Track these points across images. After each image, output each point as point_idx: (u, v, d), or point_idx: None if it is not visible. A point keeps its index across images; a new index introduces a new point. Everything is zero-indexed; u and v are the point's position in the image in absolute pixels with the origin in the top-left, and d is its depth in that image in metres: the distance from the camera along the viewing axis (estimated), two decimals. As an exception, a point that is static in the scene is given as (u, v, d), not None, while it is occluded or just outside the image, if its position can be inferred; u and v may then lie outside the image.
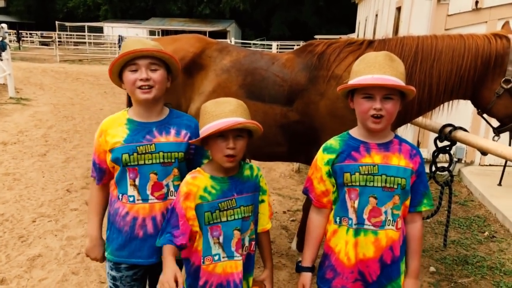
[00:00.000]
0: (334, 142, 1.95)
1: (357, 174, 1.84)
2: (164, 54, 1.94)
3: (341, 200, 1.90)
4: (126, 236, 2.01)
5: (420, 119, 3.10)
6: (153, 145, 1.96)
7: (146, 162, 1.96)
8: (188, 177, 1.90)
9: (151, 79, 1.90)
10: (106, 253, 2.09)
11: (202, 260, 1.86)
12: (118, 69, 1.94)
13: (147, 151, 1.95)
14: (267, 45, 31.08)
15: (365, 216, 1.86)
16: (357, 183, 1.85)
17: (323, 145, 1.97)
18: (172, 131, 2.02)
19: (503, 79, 2.63)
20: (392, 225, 1.87)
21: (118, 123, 2.01)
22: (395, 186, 1.84)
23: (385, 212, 1.85)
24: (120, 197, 2.01)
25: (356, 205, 1.86)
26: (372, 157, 1.86)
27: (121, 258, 2.05)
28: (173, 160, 1.99)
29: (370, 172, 1.84)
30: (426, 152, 6.09)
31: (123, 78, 1.95)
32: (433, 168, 2.99)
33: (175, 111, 2.12)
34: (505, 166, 5.50)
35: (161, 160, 1.97)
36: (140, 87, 1.90)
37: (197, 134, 2.03)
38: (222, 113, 1.78)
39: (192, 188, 1.84)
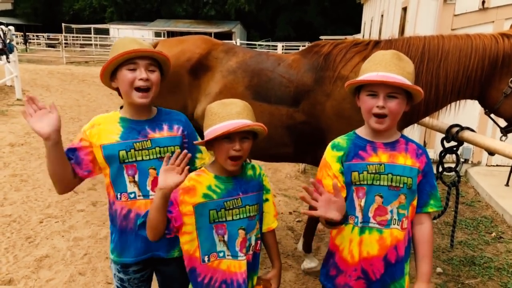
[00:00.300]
0: (341, 140, 1.94)
1: (365, 173, 1.84)
2: (163, 56, 1.97)
3: (348, 199, 1.89)
4: (131, 234, 2.01)
5: (427, 119, 3.09)
6: (149, 141, 1.98)
7: (144, 158, 1.97)
8: (192, 173, 1.89)
9: (149, 80, 1.91)
10: (112, 256, 2.09)
11: (202, 260, 1.85)
12: (113, 68, 1.92)
13: (143, 147, 1.97)
14: (272, 46, 31.08)
15: (370, 215, 1.86)
16: (365, 182, 1.84)
17: (331, 143, 1.96)
18: (165, 127, 2.05)
19: (511, 79, 2.62)
20: (397, 225, 1.87)
21: (111, 120, 2.01)
22: (401, 185, 1.84)
23: (391, 211, 1.85)
24: (119, 196, 2.00)
25: (362, 203, 1.86)
26: (379, 156, 1.86)
27: (128, 258, 2.05)
28: (169, 155, 2.00)
29: (377, 171, 1.84)
30: (433, 152, 6.07)
31: (119, 76, 1.93)
32: (440, 169, 2.98)
33: (162, 109, 2.14)
34: (512, 166, 5.47)
35: (158, 155, 1.99)
36: (137, 88, 1.90)
37: (188, 127, 2.11)
38: (228, 114, 1.78)
39: (194, 184, 1.83)
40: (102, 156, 1.95)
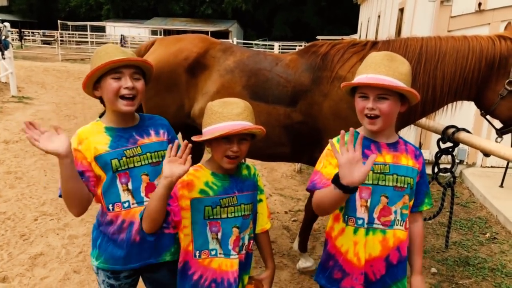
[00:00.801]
0: (346, 137, 1.93)
1: (370, 172, 1.82)
2: (148, 65, 1.98)
3: (350, 199, 1.86)
4: (123, 244, 1.98)
5: (423, 120, 3.10)
6: (139, 147, 1.97)
7: (136, 164, 1.96)
8: (190, 169, 1.90)
9: (135, 88, 1.90)
10: (98, 262, 2.03)
11: (194, 254, 1.86)
12: (97, 77, 1.90)
13: (134, 154, 1.96)
14: (269, 45, 31.10)
15: (375, 215, 1.85)
16: (370, 182, 1.83)
17: (335, 138, 1.89)
18: (152, 132, 2.05)
19: (507, 80, 2.63)
20: (400, 225, 1.88)
21: (96, 131, 1.97)
22: (405, 186, 1.86)
23: (395, 212, 1.86)
24: (111, 207, 1.97)
25: (368, 204, 1.85)
26: (384, 156, 1.86)
27: (118, 265, 2.02)
28: (160, 159, 2.00)
29: (382, 171, 1.84)
30: (428, 153, 6.09)
31: (103, 85, 1.91)
32: (436, 170, 2.99)
33: (144, 115, 2.14)
34: (507, 167, 5.50)
35: (150, 161, 1.99)
36: (123, 96, 1.89)
37: (171, 131, 2.13)
38: (229, 115, 1.78)
39: (193, 179, 1.84)
40: (99, 168, 1.93)
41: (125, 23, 43.55)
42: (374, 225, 1.86)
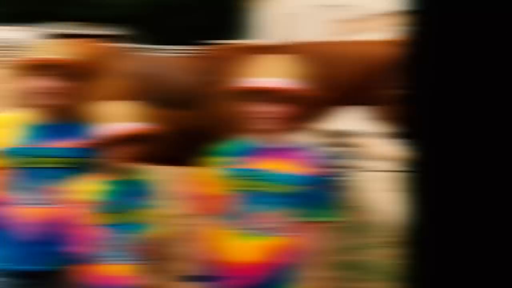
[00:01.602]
0: (225, 146, 1.93)
1: (243, 179, 1.81)
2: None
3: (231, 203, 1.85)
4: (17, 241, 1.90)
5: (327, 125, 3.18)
6: (48, 148, 1.93)
7: (39, 165, 1.91)
8: None
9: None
10: None
11: None
12: None
13: (40, 154, 1.92)
14: (167, 50, 30.72)
15: (251, 221, 1.81)
16: (244, 188, 1.81)
17: (214, 149, 1.93)
18: (69, 136, 1.99)
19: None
20: (280, 232, 1.83)
21: (13, 122, 1.96)
22: (284, 193, 1.82)
23: (273, 218, 1.82)
24: (11, 201, 1.91)
25: (244, 209, 1.81)
26: (262, 162, 1.82)
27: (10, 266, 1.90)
28: (67, 165, 1.97)
29: (256, 177, 1.81)
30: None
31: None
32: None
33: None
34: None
35: (55, 165, 1.94)
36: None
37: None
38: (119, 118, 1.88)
39: None
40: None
41: (12, 27, 40.28)
42: (251, 231, 1.81)
